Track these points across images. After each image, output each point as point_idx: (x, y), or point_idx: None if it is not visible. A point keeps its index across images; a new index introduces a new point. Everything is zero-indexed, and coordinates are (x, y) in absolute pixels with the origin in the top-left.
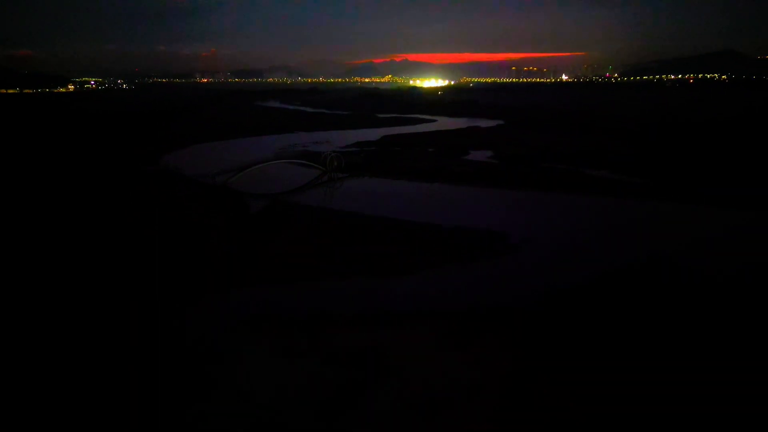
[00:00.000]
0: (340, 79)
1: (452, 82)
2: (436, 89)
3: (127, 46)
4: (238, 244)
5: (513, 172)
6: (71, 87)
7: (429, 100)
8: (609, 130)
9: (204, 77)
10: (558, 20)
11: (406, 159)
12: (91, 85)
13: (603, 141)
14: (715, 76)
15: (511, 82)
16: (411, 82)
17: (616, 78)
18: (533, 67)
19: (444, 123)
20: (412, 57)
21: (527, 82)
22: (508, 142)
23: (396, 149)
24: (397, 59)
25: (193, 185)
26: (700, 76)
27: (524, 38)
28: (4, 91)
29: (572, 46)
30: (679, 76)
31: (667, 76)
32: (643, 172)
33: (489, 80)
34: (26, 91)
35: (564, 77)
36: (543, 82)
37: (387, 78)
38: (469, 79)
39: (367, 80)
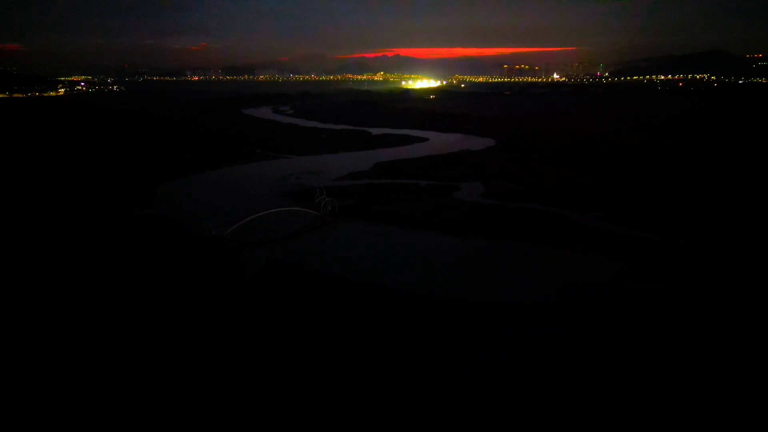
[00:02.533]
0: (332, 77)
1: (444, 82)
2: (428, 91)
3: (116, 39)
4: (234, 333)
5: (501, 220)
6: (62, 91)
7: (421, 110)
8: (597, 157)
9: (195, 75)
10: (549, 15)
11: (398, 199)
12: (81, 86)
13: (592, 174)
14: (704, 77)
15: (503, 82)
16: (403, 83)
17: (606, 78)
18: (525, 65)
19: (435, 141)
20: (403, 52)
21: (519, 81)
22: (497, 173)
23: (388, 182)
24: (389, 54)
25: (186, 243)
26: (689, 77)
27: (515, 33)
28: None
29: (563, 41)
30: (669, 76)
31: (657, 76)
32: (629, 218)
33: (481, 79)
34: (16, 95)
35: (555, 76)
36: (535, 81)
37: (379, 75)
38: (461, 77)
39: (359, 78)
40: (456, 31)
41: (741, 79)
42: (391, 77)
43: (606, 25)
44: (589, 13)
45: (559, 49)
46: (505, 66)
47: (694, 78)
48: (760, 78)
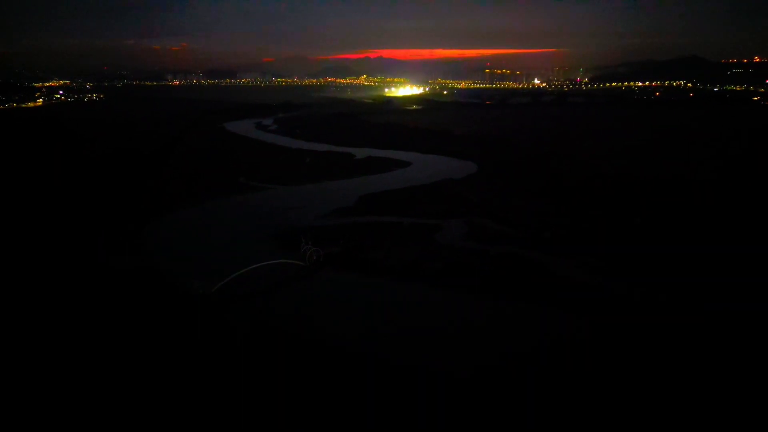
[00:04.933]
0: (314, 80)
1: (426, 89)
2: (411, 99)
3: (94, 40)
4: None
5: (481, 272)
6: (40, 101)
7: (404, 126)
8: (576, 189)
9: (176, 78)
10: (529, 17)
11: (382, 244)
12: (60, 96)
13: (571, 210)
14: (681, 84)
15: (485, 88)
16: (386, 90)
17: (586, 84)
18: (506, 70)
19: (418, 166)
20: (386, 53)
21: (500, 87)
22: (479, 209)
23: (372, 221)
24: (372, 56)
25: (172, 303)
26: (666, 83)
27: (496, 35)
28: None
29: (544, 43)
30: (647, 83)
31: (635, 83)
32: (606, 266)
33: (463, 84)
34: None
35: (536, 81)
36: (516, 88)
37: (362, 79)
38: (443, 82)
39: (342, 81)
40: (437, 33)
41: (716, 87)
42: (374, 81)
43: (586, 27)
44: (570, 16)
45: (539, 51)
46: (487, 70)
47: (671, 85)
48: (735, 85)
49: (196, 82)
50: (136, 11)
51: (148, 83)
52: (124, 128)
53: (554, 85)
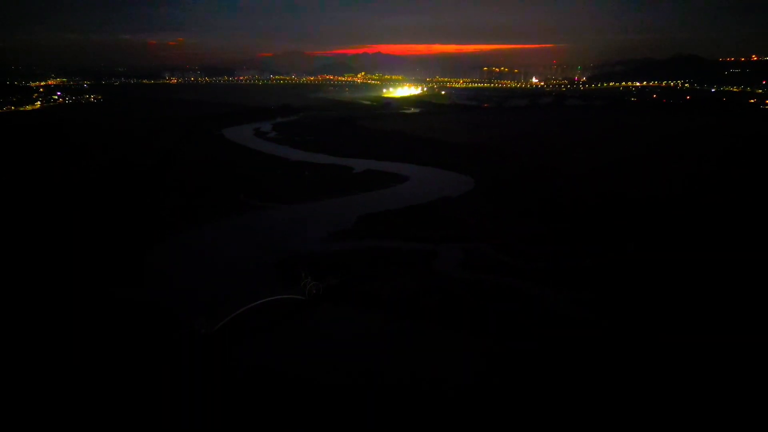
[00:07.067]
0: (312, 78)
1: (425, 88)
2: (409, 100)
3: (89, 35)
4: None
5: (476, 308)
6: (38, 104)
7: (402, 133)
8: (573, 209)
9: (173, 76)
10: (527, 13)
11: (380, 275)
12: (58, 97)
13: (567, 235)
14: (678, 84)
15: (483, 88)
16: (384, 91)
17: (584, 83)
18: (504, 68)
19: (415, 181)
20: (384, 49)
21: (498, 87)
22: (475, 232)
23: (371, 246)
24: (370, 51)
25: (177, 344)
26: (664, 83)
27: (493, 30)
28: None
29: (541, 38)
30: (645, 83)
31: (632, 83)
32: (601, 301)
33: (461, 82)
34: None
35: (534, 80)
36: (514, 87)
37: (360, 76)
38: (441, 80)
39: (340, 79)
40: (435, 28)
41: (713, 87)
42: (372, 78)
43: (584, 23)
44: (567, 11)
45: (537, 46)
46: (485, 68)
47: (668, 85)
48: (732, 86)
49: (193, 80)
50: (132, 5)
51: (145, 81)
52: (123, 137)
53: (552, 84)
